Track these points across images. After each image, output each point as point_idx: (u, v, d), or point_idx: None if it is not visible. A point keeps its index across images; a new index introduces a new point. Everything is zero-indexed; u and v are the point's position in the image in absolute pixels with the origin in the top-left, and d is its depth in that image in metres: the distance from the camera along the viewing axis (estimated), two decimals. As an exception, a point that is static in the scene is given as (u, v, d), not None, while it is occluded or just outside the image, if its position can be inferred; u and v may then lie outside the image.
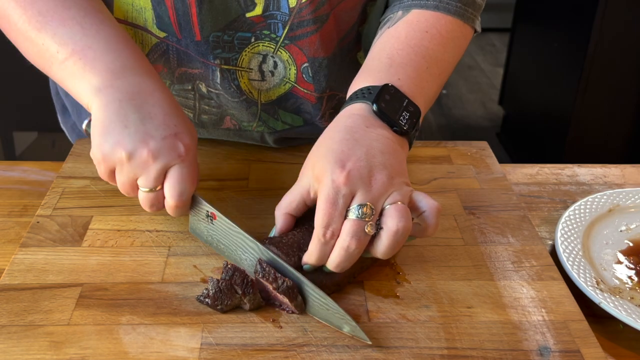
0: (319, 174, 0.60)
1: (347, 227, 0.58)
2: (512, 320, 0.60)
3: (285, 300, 0.59)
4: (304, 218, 0.65)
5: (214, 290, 0.59)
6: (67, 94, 0.97)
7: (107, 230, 0.70)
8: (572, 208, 0.78)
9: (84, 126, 0.68)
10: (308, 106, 0.83)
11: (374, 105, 0.64)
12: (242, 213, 0.74)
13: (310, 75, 0.80)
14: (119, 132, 0.62)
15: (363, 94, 0.66)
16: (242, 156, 0.86)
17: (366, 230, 0.58)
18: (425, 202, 0.61)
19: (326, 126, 0.86)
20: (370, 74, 0.69)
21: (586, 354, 0.56)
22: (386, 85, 0.66)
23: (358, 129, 0.63)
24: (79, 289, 0.62)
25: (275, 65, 0.79)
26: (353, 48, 0.84)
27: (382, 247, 0.59)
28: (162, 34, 0.78)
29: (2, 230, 0.74)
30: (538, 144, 2.60)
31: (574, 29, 2.26)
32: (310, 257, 0.60)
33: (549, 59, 2.48)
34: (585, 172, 0.90)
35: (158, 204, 0.65)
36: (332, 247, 0.59)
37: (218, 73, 0.79)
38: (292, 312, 0.60)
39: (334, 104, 0.85)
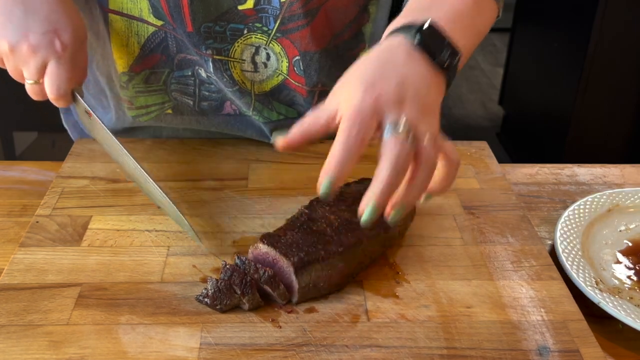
0: (347, 97, 0.56)
1: (389, 143, 0.53)
2: (512, 320, 0.60)
3: (269, 290, 0.59)
4: (302, 218, 0.65)
5: (213, 290, 0.59)
6: None
7: (106, 230, 0.70)
8: (571, 208, 0.77)
9: None
10: (300, 99, 0.84)
11: (417, 35, 0.58)
12: (242, 213, 0.74)
13: (302, 68, 0.81)
14: (4, 25, 0.67)
15: (403, 29, 0.60)
16: (241, 156, 0.86)
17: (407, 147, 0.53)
18: (450, 153, 0.57)
19: None
20: (410, 13, 0.63)
21: (585, 354, 0.56)
22: (429, 20, 0.60)
23: (394, 60, 0.58)
24: (78, 288, 0.62)
25: (268, 57, 0.80)
26: (353, 46, 0.84)
27: (441, 175, 0.56)
28: (159, 22, 0.79)
29: (1, 230, 0.74)
30: (538, 144, 2.60)
31: (574, 29, 2.25)
32: (335, 154, 0.53)
33: (549, 59, 2.48)
34: (584, 172, 0.90)
35: (42, 94, 0.70)
36: (359, 144, 0.53)
37: (211, 63, 0.80)
38: (284, 305, 0.60)
39: None
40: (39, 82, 0.69)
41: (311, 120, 0.57)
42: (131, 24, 0.79)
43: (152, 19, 0.78)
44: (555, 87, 2.41)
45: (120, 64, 0.83)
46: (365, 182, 0.73)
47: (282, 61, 0.81)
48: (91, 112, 0.71)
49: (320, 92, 0.84)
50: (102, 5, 0.79)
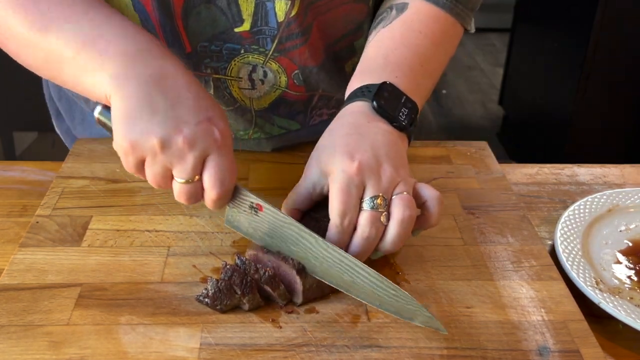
0: (328, 168, 0.61)
1: (365, 218, 0.59)
2: (512, 320, 0.60)
3: (269, 290, 0.59)
4: (306, 223, 0.65)
5: (213, 290, 0.59)
6: (60, 98, 0.96)
7: (106, 230, 0.70)
8: (571, 208, 0.77)
9: (95, 114, 0.61)
10: (300, 105, 0.84)
11: (374, 102, 0.65)
12: (242, 213, 0.74)
13: (302, 79, 0.80)
14: (148, 119, 0.56)
15: (362, 92, 0.67)
16: (241, 156, 0.86)
17: (381, 220, 0.59)
18: (427, 192, 0.63)
19: (319, 123, 0.86)
20: (367, 73, 0.70)
21: (585, 354, 0.56)
22: (384, 82, 0.67)
23: (360, 125, 0.64)
24: (78, 288, 0.62)
25: (265, 74, 0.79)
26: (344, 57, 0.84)
27: (390, 237, 0.60)
28: None
29: (1, 230, 0.74)
30: (538, 144, 2.60)
31: (574, 29, 2.26)
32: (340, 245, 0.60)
33: (549, 59, 2.48)
34: (584, 172, 0.90)
35: (196, 195, 0.60)
36: (349, 236, 0.60)
37: (211, 83, 0.79)
38: (284, 306, 0.60)
39: (331, 104, 0.85)
40: (193, 180, 0.58)
41: (293, 199, 0.64)
42: None
43: None
44: (555, 87, 2.41)
45: None
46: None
47: (280, 77, 0.80)
48: (262, 203, 0.61)
49: (320, 96, 0.84)
50: None
